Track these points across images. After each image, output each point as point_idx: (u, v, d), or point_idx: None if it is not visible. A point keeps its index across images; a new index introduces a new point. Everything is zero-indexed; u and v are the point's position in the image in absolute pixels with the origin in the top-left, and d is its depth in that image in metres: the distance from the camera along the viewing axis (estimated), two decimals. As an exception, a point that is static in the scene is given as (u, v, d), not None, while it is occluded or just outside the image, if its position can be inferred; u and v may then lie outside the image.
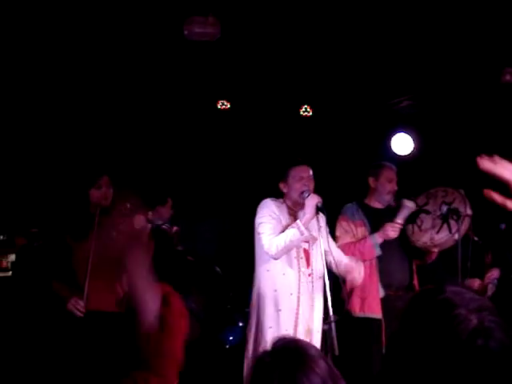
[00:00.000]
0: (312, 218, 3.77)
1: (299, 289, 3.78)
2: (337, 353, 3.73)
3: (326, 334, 3.76)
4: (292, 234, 3.66)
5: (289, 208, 3.90)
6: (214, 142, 6.02)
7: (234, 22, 4.01)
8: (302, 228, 3.66)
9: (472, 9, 3.98)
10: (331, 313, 3.86)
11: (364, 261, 4.24)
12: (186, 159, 6.12)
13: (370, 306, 4.25)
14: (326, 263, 3.79)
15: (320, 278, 3.88)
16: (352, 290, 4.27)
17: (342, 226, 4.37)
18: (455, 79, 4.85)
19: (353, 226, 4.36)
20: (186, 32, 3.83)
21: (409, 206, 4.25)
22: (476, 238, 4.27)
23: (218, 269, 4.82)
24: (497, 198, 1.52)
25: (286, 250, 3.71)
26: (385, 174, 4.42)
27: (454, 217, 4.15)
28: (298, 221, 3.71)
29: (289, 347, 1.53)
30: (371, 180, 4.44)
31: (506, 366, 1.10)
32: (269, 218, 3.79)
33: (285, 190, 3.90)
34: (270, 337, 3.64)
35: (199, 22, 3.78)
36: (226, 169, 6.28)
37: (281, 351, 1.52)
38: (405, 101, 5.46)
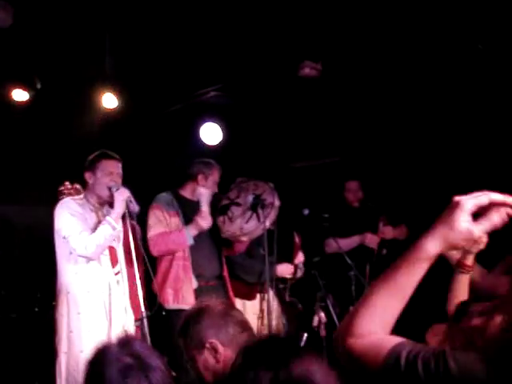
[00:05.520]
0: (122, 213, 3.70)
1: (110, 288, 3.71)
2: (150, 349, 3.68)
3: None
4: (105, 230, 3.61)
5: (90, 204, 3.79)
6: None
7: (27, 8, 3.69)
8: (114, 223, 3.64)
9: (273, 1, 4.11)
10: (142, 309, 3.82)
11: (177, 251, 4.25)
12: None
13: (184, 296, 4.26)
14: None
15: (130, 274, 3.82)
16: (164, 283, 4.25)
17: (156, 215, 4.32)
18: (259, 71, 4.98)
19: (167, 216, 4.34)
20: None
21: (202, 192, 4.35)
22: (272, 227, 4.46)
23: None
24: None
25: (102, 249, 3.67)
26: (214, 176, 4.47)
27: (262, 206, 4.31)
28: (107, 217, 3.67)
29: (133, 351, 1.55)
30: (201, 177, 4.45)
31: None
32: (71, 218, 3.65)
33: (90, 181, 3.79)
34: (87, 340, 3.52)
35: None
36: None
37: (124, 349, 1.55)
38: (212, 91, 5.50)
